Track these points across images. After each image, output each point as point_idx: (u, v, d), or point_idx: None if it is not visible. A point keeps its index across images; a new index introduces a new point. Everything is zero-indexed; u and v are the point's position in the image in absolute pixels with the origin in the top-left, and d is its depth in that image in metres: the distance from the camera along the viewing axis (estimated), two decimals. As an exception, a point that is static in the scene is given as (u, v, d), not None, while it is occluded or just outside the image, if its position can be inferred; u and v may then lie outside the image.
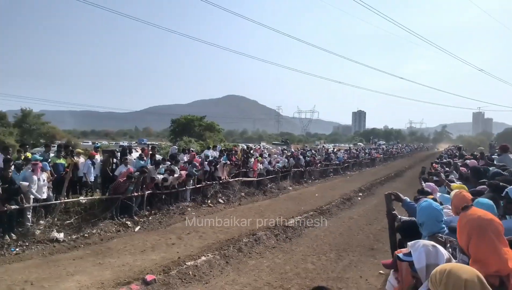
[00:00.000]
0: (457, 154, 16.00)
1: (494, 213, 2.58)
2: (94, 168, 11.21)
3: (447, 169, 10.66)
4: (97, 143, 16.02)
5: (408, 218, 3.96)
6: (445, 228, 2.87)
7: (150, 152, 13.39)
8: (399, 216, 3.81)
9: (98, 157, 11.94)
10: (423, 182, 9.66)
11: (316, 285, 2.00)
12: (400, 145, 69.00)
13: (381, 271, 7.18)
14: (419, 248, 1.97)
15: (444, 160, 14.60)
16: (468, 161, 10.03)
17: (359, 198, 16.47)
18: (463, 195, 3.38)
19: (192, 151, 16.16)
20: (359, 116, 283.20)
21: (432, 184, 5.61)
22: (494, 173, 5.26)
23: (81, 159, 11.33)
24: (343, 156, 29.21)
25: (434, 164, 13.86)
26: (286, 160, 20.47)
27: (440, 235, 2.76)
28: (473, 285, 1.41)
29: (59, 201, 9.10)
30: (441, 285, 1.48)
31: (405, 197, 4.13)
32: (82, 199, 9.64)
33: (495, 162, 8.83)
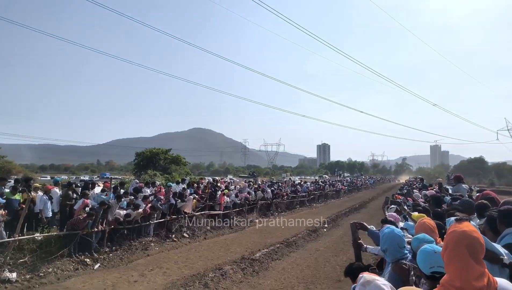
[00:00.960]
0: (420, 185, 16.66)
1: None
2: (51, 202, 10.66)
3: (408, 198, 11.03)
4: (56, 177, 15.28)
5: (373, 247, 4.04)
6: (408, 254, 2.95)
7: (113, 186, 12.96)
8: (365, 245, 3.87)
9: (57, 192, 11.40)
10: (386, 212, 9.93)
11: None
12: (364, 177, 70.79)
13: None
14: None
15: (405, 191, 15.10)
16: (427, 192, 10.45)
17: (325, 230, 16.56)
18: (424, 222, 3.50)
19: (159, 184, 15.82)
20: (323, 148, 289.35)
21: (394, 214, 5.78)
22: (453, 199, 5.55)
23: (39, 194, 10.79)
24: (308, 188, 29.52)
25: (396, 195, 14.29)
26: (253, 193, 20.42)
27: (404, 261, 2.84)
28: None
29: (12, 239, 8.53)
30: None
31: (370, 226, 4.23)
32: (38, 235, 9.08)
33: (450, 192, 9.28)
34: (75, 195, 11.38)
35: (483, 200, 4.57)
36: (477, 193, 6.71)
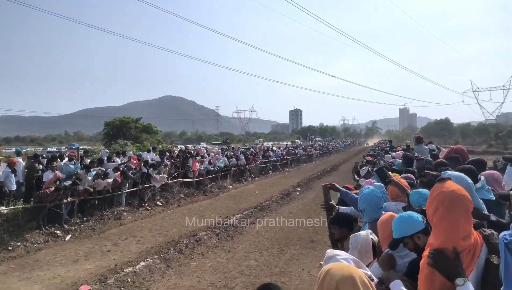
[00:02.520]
0: (388, 146, 17.08)
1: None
2: (15, 175, 10.23)
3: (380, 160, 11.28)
4: (18, 148, 14.60)
5: (345, 207, 4.09)
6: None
7: (80, 156, 12.59)
8: (337, 206, 3.92)
9: (21, 163, 10.95)
10: (356, 176, 10.15)
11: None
12: (335, 141, 72.15)
13: (321, 262, 7.39)
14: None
15: (374, 153, 15.44)
16: (394, 153, 10.72)
17: (298, 193, 16.89)
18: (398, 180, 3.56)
19: (131, 154, 15.48)
20: (296, 114, 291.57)
21: (370, 180, 5.82)
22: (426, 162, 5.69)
23: (1, 166, 10.34)
24: (281, 153, 29.80)
25: (368, 156, 14.59)
26: (226, 159, 20.42)
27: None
28: (343, 286, 1.45)
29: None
30: (318, 283, 1.53)
31: (342, 188, 4.26)
32: (3, 209, 8.77)
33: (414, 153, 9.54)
34: (41, 167, 10.99)
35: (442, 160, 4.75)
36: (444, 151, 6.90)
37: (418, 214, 2.17)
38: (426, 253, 1.84)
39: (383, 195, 3.47)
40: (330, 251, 2.04)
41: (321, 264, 7.63)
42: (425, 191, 2.91)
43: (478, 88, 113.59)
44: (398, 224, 2.17)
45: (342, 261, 1.90)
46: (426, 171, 3.85)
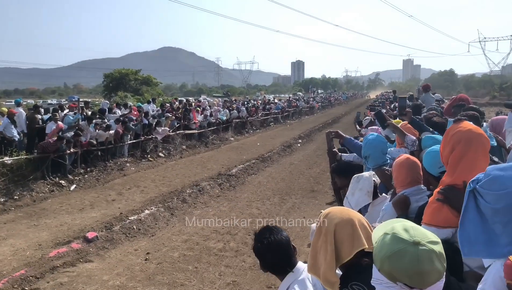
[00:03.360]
0: (392, 97, 16.91)
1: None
2: (15, 126, 10.20)
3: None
4: (17, 99, 14.48)
5: (348, 154, 4.07)
6: (389, 160, 2.98)
7: (81, 107, 12.50)
8: (340, 154, 3.90)
9: (22, 113, 10.88)
10: (358, 126, 10.09)
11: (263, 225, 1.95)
12: (337, 93, 71.43)
13: (322, 211, 7.54)
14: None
15: (377, 104, 15.29)
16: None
17: (299, 145, 16.96)
18: (406, 126, 3.52)
19: (131, 105, 15.38)
20: (298, 66, 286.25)
21: (374, 127, 5.76)
22: (429, 109, 5.61)
23: (1, 118, 10.30)
24: (282, 106, 29.59)
25: (368, 111, 14.46)
26: (228, 111, 20.31)
27: (385, 167, 2.86)
28: (342, 229, 1.44)
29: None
30: (318, 226, 1.53)
31: (346, 135, 4.22)
32: (7, 159, 8.84)
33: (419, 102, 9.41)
34: (40, 116, 10.95)
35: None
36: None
37: None
38: (437, 190, 1.82)
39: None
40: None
41: (321, 212, 7.81)
42: (438, 136, 2.87)
43: (485, 38, 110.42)
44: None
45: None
46: (407, 110, 3.82)
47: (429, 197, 2.06)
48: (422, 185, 2.29)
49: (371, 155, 2.94)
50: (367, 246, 1.41)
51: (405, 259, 1.04)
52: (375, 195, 2.69)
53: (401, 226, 1.12)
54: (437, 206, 1.76)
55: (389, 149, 3.21)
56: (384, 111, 7.52)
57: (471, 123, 1.90)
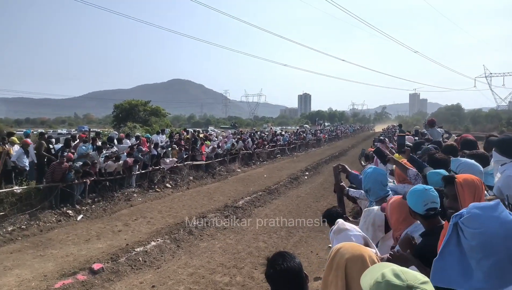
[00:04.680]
0: (398, 130, 16.99)
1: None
2: (27, 156, 10.36)
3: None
4: (26, 130, 14.72)
5: (355, 190, 4.09)
6: (390, 192, 2.99)
7: (92, 137, 12.71)
8: (347, 188, 3.92)
9: (32, 145, 11.09)
10: (363, 163, 10.11)
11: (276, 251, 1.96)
12: (344, 126, 71.73)
13: (330, 245, 7.44)
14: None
15: (382, 138, 15.33)
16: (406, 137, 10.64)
17: (306, 177, 16.91)
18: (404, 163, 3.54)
19: (142, 136, 15.60)
20: (304, 98, 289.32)
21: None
22: (425, 149, 5.65)
23: (15, 148, 10.48)
24: (289, 138, 29.71)
25: (370, 148, 14.49)
26: (234, 140, 20.45)
27: (388, 199, 2.87)
28: (353, 264, 1.46)
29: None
30: (329, 261, 1.56)
31: (351, 170, 4.26)
32: (17, 188, 8.93)
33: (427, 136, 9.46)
34: (51, 146, 11.13)
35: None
36: (455, 137, 6.83)
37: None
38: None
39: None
40: (341, 224, 2.05)
41: (329, 247, 7.68)
42: (443, 171, 2.89)
43: (491, 73, 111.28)
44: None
45: (352, 237, 1.91)
46: (406, 147, 3.86)
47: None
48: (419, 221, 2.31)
49: (371, 188, 2.97)
50: None
51: None
52: (386, 229, 2.70)
53: (391, 272, 1.13)
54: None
55: (393, 185, 3.23)
56: (391, 145, 7.56)
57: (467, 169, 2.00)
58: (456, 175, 2.01)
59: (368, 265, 1.46)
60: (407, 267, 1.83)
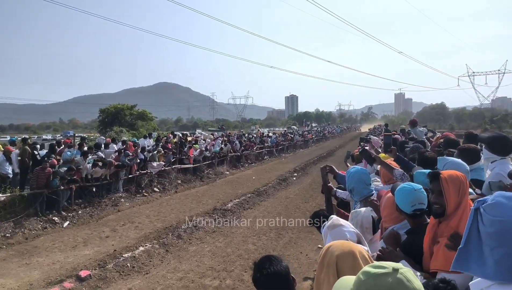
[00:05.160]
0: (384, 130, 17.17)
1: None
2: (10, 163, 10.16)
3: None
4: (12, 137, 14.41)
5: (342, 191, 4.11)
6: (374, 191, 3.02)
7: (78, 143, 12.54)
8: (335, 188, 3.93)
9: (16, 153, 10.87)
10: (349, 165, 10.18)
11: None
12: (331, 126, 72.28)
13: (319, 245, 7.47)
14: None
15: (368, 137, 15.47)
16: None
17: (294, 178, 16.96)
18: (391, 163, 3.57)
19: (129, 141, 15.44)
20: (291, 100, 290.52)
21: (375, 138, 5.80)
22: (414, 147, 5.73)
23: (-2, 155, 10.29)
24: (276, 139, 29.75)
25: (358, 147, 14.60)
26: (221, 143, 20.39)
27: (372, 198, 2.90)
28: (343, 261, 1.47)
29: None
30: (320, 259, 1.56)
31: (339, 171, 4.28)
32: (0, 196, 8.75)
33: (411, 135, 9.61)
34: (36, 152, 10.94)
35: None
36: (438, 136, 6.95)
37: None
38: (444, 238, 1.89)
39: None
40: (336, 219, 2.05)
41: (319, 247, 7.72)
42: (429, 171, 2.92)
43: (474, 72, 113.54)
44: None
45: (346, 233, 1.92)
46: (392, 147, 3.91)
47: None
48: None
49: (355, 188, 2.99)
50: None
51: (401, 286, 1.04)
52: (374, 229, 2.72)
53: (367, 268, 1.11)
54: (449, 253, 1.81)
55: (378, 186, 3.25)
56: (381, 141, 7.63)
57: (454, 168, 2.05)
58: (441, 171, 2.03)
59: (359, 261, 1.47)
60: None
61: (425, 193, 2.19)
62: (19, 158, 10.54)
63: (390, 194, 2.47)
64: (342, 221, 2.05)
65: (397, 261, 1.85)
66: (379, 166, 3.95)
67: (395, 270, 1.05)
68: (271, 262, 1.77)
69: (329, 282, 1.48)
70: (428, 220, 2.21)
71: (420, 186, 2.23)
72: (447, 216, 1.93)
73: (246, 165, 21.71)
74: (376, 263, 1.12)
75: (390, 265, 1.07)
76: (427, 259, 1.98)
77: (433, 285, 1.32)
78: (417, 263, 2.00)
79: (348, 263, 1.46)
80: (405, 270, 1.06)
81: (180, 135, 21.82)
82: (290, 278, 1.75)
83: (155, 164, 13.75)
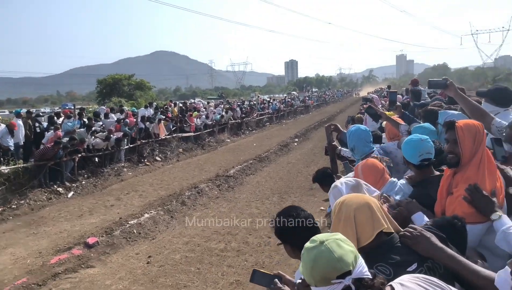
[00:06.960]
0: (387, 92, 17.05)
1: (435, 137, 2.66)
2: (12, 136, 10.12)
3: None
4: (17, 109, 14.28)
5: (347, 149, 4.09)
6: (374, 148, 3.02)
7: (78, 112, 12.49)
8: (339, 147, 3.91)
9: (21, 125, 10.79)
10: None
11: (264, 229, 2.00)
12: (332, 91, 71.67)
13: (322, 207, 7.57)
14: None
15: (370, 96, 15.34)
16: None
17: (296, 144, 16.99)
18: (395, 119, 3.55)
19: (127, 110, 15.38)
20: (291, 65, 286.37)
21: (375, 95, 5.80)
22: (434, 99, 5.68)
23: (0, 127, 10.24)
24: (277, 105, 29.56)
25: (360, 108, 14.50)
26: (221, 111, 20.29)
27: (374, 155, 2.88)
28: (361, 213, 1.47)
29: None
30: (335, 215, 1.56)
31: (343, 130, 4.25)
32: (4, 168, 8.79)
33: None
34: (37, 124, 10.91)
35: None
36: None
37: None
38: (461, 188, 1.85)
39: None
40: (338, 181, 2.06)
41: (321, 209, 7.79)
42: (427, 124, 2.90)
43: (477, 30, 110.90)
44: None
45: (341, 190, 1.92)
46: (397, 104, 3.88)
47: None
48: (392, 178, 2.36)
49: (356, 146, 2.98)
50: (386, 226, 1.46)
51: (323, 257, 1.10)
52: None
53: (306, 243, 1.19)
54: (464, 205, 1.80)
55: (383, 145, 3.24)
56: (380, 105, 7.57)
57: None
58: (457, 120, 1.99)
59: (375, 212, 1.48)
60: (415, 213, 1.85)
61: (431, 143, 2.17)
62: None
63: (362, 162, 2.45)
64: (363, 183, 2.04)
65: (415, 211, 1.87)
66: (385, 122, 3.92)
67: (321, 243, 1.12)
68: (297, 209, 1.89)
69: (347, 235, 1.49)
70: (436, 173, 2.20)
71: (427, 137, 2.21)
72: (462, 166, 1.91)
73: (247, 132, 21.71)
74: (314, 237, 1.19)
75: (319, 238, 1.15)
76: (439, 210, 1.97)
77: (448, 220, 1.34)
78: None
79: (365, 215, 1.47)
80: (332, 240, 1.13)
81: (180, 104, 21.67)
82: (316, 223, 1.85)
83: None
